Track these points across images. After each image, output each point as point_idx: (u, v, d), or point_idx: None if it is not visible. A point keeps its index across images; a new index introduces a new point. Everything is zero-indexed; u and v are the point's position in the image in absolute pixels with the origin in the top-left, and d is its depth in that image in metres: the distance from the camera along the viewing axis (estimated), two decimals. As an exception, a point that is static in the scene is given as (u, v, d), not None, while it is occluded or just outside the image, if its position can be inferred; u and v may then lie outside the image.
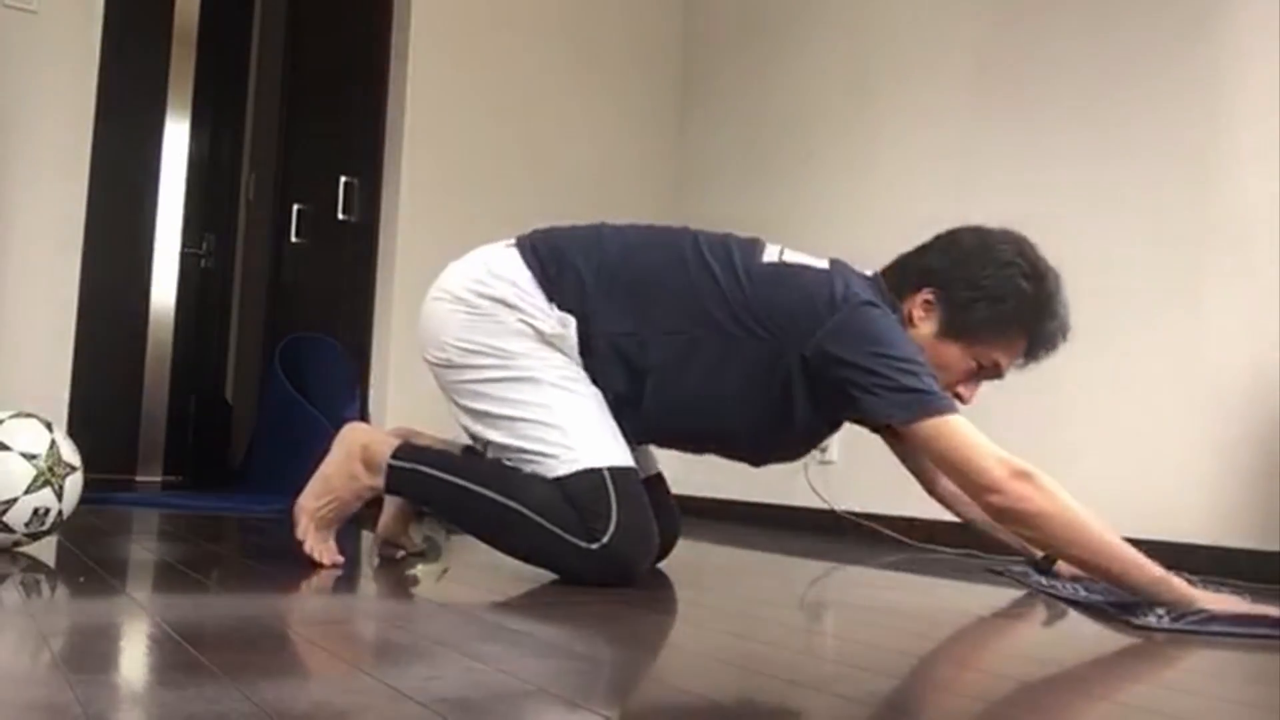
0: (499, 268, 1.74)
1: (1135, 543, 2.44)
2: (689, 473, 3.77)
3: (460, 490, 1.66)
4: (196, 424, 4.71)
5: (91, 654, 1.04)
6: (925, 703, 0.97)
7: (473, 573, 1.93)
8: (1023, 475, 1.54)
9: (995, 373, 1.77)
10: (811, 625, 1.48)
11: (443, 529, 2.18)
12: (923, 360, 1.63)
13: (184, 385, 4.76)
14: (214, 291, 4.90)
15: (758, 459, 1.91)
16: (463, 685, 0.93)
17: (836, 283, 1.69)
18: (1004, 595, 1.90)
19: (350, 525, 1.97)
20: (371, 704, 0.85)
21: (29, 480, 1.69)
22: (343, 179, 3.61)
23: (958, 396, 1.74)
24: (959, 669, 1.15)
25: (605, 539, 1.57)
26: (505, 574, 1.75)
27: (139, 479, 4.51)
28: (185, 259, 4.81)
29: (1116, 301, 2.50)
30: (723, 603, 1.64)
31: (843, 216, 3.27)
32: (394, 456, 1.72)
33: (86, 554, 1.83)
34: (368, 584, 1.68)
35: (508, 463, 1.68)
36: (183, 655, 1.02)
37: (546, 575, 1.70)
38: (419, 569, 1.89)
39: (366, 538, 2.17)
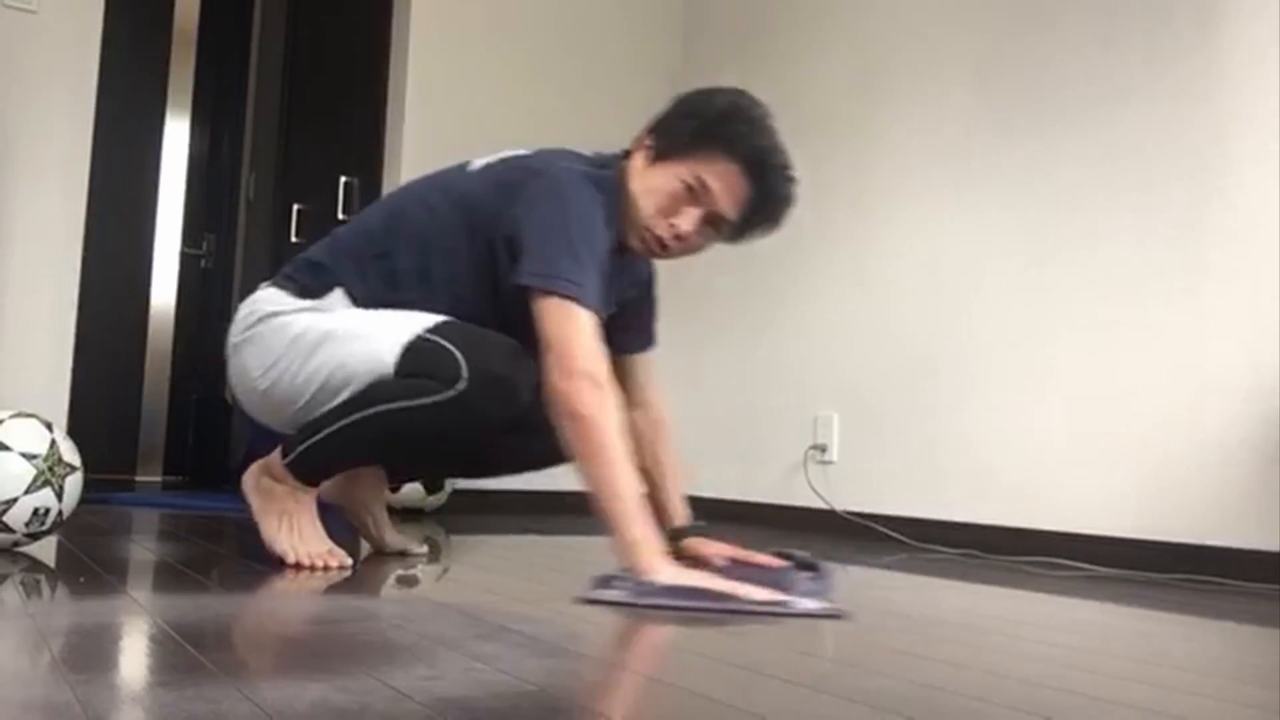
0: (257, 303, 1.82)
1: (1137, 543, 2.45)
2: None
3: (345, 431, 1.67)
4: (196, 424, 4.71)
5: (91, 654, 1.04)
6: (924, 702, 0.97)
7: (473, 573, 1.93)
8: (595, 383, 1.56)
9: (710, 199, 1.71)
10: (811, 625, 1.47)
11: (444, 530, 2.18)
12: (589, 248, 1.63)
13: (184, 385, 4.76)
14: (214, 291, 4.91)
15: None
16: (463, 685, 0.93)
17: (533, 161, 1.75)
18: (1002, 596, 1.90)
19: (346, 529, 1.98)
20: (371, 704, 0.85)
21: (29, 480, 1.70)
22: (343, 179, 3.61)
23: (673, 228, 1.72)
24: (958, 669, 1.15)
25: (466, 375, 1.61)
26: (505, 574, 1.75)
27: (139, 479, 4.52)
28: (185, 259, 4.81)
29: (1117, 302, 2.50)
30: (723, 603, 1.63)
31: (843, 216, 3.27)
32: (283, 454, 1.75)
33: (86, 554, 1.83)
34: (367, 584, 1.68)
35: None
36: (183, 655, 1.02)
37: (546, 574, 1.69)
38: (419, 569, 1.89)
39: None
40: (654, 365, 2.07)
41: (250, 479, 1.80)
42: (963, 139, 2.92)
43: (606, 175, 1.76)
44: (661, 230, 1.74)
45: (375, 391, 1.66)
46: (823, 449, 3.21)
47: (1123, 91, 2.54)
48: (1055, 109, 2.68)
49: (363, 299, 1.77)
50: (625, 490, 1.53)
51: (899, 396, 3.01)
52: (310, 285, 1.80)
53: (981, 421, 2.77)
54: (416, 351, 1.65)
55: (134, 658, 1.07)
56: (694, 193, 1.71)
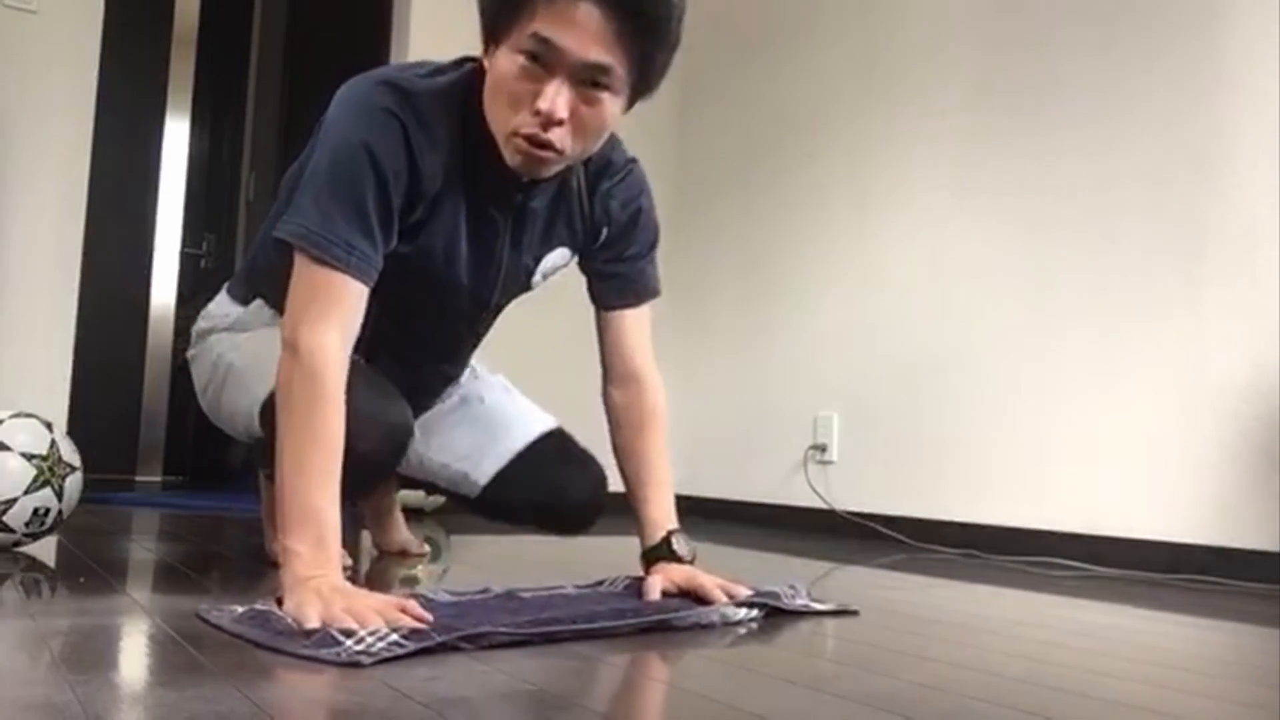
0: (202, 315, 1.82)
1: (1137, 543, 2.44)
2: (689, 473, 3.77)
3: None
4: (196, 424, 4.70)
5: (91, 654, 1.04)
6: (924, 702, 0.97)
7: (473, 573, 1.93)
8: (294, 352, 1.29)
9: (562, 55, 1.28)
10: (812, 625, 1.47)
11: (444, 530, 2.18)
12: (344, 197, 1.35)
13: (184, 385, 4.75)
14: (214, 292, 4.89)
15: None
16: (463, 685, 0.93)
17: (342, 88, 1.47)
18: (1002, 596, 1.90)
19: (348, 526, 1.96)
20: (371, 704, 0.85)
21: (29, 480, 1.70)
22: (343, 179, 3.61)
23: (539, 115, 1.30)
24: (958, 669, 1.15)
25: None
26: (505, 574, 1.75)
27: (139, 479, 4.51)
28: (185, 259, 4.81)
29: (1117, 302, 2.50)
30: (723, 603, 1.63)
31: (843, 217, 3.27)
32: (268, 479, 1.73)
33: (86, 554, 1.83)
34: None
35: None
36: (183, 655, 1.02)
37: (547, 574, 1.69)
38: (419, 569, 1.89)
39: (366, 536, 2.17)
40: (645, 328, 1.61)
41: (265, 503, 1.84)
42: (963, 140, 2.92)
43: (435, 85, 1.43)
44: (529, 126, 1.32)
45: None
46: (823, 449, 3.21)
47: (1123, 92, 2.54)
48: (1055, 110, 2.68)
49: (277, 303, 1.56)
50: (294, 485, 1.25)
51: (899, 396, 3.01)
52: (243, 293, 1.79)
53: (981, 421, 2.77)
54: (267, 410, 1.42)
55: (134, 658, 1.07)
56: (541, 59, 1.29)
